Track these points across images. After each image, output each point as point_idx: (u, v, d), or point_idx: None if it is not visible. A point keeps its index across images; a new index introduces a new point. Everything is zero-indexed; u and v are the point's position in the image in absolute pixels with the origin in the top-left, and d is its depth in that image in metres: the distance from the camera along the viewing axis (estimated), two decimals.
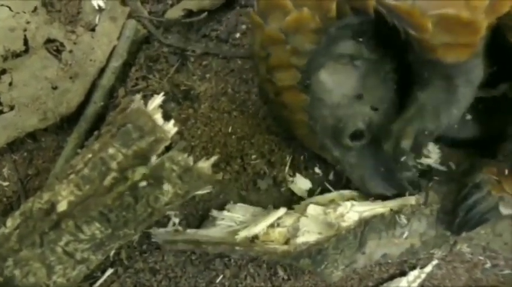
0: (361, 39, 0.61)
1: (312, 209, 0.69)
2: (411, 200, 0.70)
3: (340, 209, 0.69)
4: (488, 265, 0.81)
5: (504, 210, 0.67)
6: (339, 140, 0.66)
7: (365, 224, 0.70)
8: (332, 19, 0.57)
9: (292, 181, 0.77)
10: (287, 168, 0.78)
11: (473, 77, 0.61)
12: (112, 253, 0.72)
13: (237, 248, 0.68)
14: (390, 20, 0.55)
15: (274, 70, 0.62)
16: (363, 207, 0.70)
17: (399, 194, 0.71)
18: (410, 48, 0.58)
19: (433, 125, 0.65)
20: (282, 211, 0.70)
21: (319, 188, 0.78)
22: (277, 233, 0.68)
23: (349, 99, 0.64)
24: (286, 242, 0.68)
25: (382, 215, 0.70)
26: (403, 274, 0.80)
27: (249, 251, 0.68)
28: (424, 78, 0.62)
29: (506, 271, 0.81)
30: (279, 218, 0.69)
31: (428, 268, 0.79)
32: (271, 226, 0.69)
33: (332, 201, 0.72)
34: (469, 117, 0.73)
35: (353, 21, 0.58)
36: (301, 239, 0.67)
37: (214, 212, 0.73)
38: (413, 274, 0.79)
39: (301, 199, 0.77)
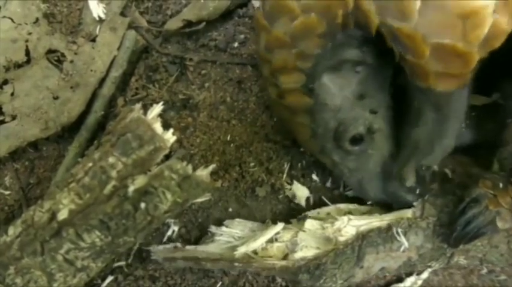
0: (365, 49, 0.62)
1: (310, 224, 0.70)
2: (407, 213, 0.71)
3: (337, 224, 0.69)
4: (484, 271, 0.81)
5: (501, 225, 0.67)
6: (340, 144, 0.67)
7: (362, 238, 0.70)
8: (338, 25, 0.57)
9: (290, 189, 0.78)
10: (285, 175, 0.79)
11: (461, 107, 0.62)
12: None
13: (236, 264, 0.69)
14: (388, 41, 0.56)
15: (278, 72, 0.63)
16: (359, 221, 0.70)
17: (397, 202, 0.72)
18: (402, 73, 0.59)
19: (430, 159, 0.67)
20: (280, 226, 0.71)
21: (316, 196, 0.78)
22: (276, 248, 0.69)
23: (350, 103, 0.65)
24: (285, 258, 0.69)
25: (379, 229, 0.71)
26: (400, 280, 0.80)
27: (247, 267, 0.69)
28: (414, 108, 0.63)
29: (502, 277, 0.82)
30: (277, 233, 0.70)
31: (425, 275, 0.80)
32: (270, 241, 0.70)
33: (328, 215, 0.73)
34: (462, 124, 0.74)
35: (357, 33, 0.59)
36: (299, 255, 0.68)
37: (213, 228, 0.74)
38: (410, 280, 0.80)
39: (298, 205, 0.78)
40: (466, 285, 0.81)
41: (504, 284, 0.82)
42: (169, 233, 0.76)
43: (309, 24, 0.57)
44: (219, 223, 0.75)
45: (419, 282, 0.80)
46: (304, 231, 0.70)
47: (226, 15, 0.88)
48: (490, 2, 0.50)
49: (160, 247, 0.72)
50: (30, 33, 0.80)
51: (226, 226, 0.74)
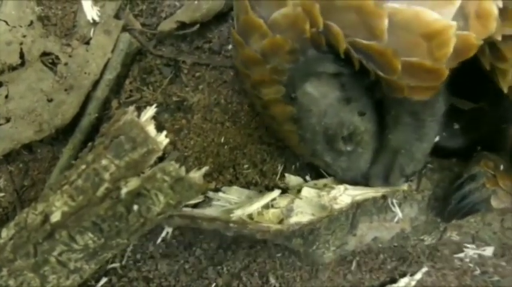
0: (341, 63, 0.62)
1: (306, 192, 0.71)
2: (404, 185, 0.72)
3: (333, 192, 0.70)
4: (477, 271, 0.82)
5: (495, 204, 0.69)
6: (333, 146, 0.68)
7: (357, 207, 0.71)
8: (307, 40, 0.58)
9: (284, 181, 0.79)
10: (278, 177, 0.79)
11: (437, 110, 0.63)
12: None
13: (231, 225, 0.68)
14: (358, 61, 0.57)
15: (258, 85, 0.64)
16: (356, 191, 0.71)
17: None
18: (378, 86, 0.60)
19: (411, 165, 0.68)
20: (277, 192, 0.72)
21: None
22: (271, 213, 0.69)
23: (335, 107, 0.66)
24: (280, 223, 0.69)
25: (374, 199, 0.72)
26: (394, 281, 0.81)
27: (242, 229, 0.69)
28: (392, 116, 0.64)
29: (495, 278, 0.82)
30: (273, 200, 0.71)
31: (418, 275, 0.81)
32: (266, 206, 0.70)
33: (325, 185, 0.74)
34: (456, 126, 0.74)
35: (330, 50, 0.59)
36: (294, 219, 0.68)
37: (210, 193, 0.74)
38: (403, 281, 0.80)
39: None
40: (460, 286, 0.82)
41: (497, 285, 0.82)
42: (163, 234, 0.77)
43: (276, 43, 0.58)
44: None
45: (413, 283, 0.81)
46: (300, 198, 0.70)
47: (221, 17, 0.88)
48: (453, 22, 0.51)
49: None
50: (24, 36, 0.80)
51: (224, 192, 0.74)
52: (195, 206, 0.74)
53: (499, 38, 0.53)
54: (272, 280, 0.77)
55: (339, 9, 0.54)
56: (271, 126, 0.70)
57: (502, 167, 0.70)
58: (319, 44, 0.58)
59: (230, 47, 0.87)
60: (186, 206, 0.73)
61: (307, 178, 0.80)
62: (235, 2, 0.63)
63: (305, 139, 0.68)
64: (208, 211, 0.71)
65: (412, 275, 0.81)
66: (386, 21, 0.52)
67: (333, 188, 0.70)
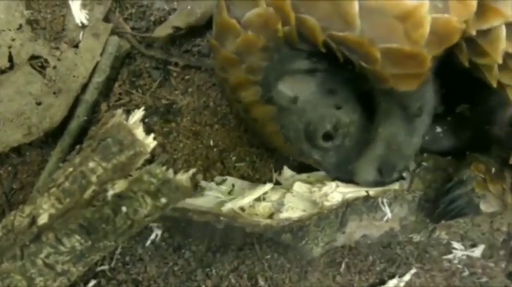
0: (315, 59, 0.63)
1: (298, 187, 0.71)
2: (395, 185, 0.72)
3: (325, 189, 0.70)
4: (466, 273, 0.83)
5: (484, 208, 0.69)
6: (313, 143, 0.68)
7: (347, 205, 0.71)
8: (280, 39, 0.59)
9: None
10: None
11: (426, 103, 0.63)
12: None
13: (222, 218, 0.69)
14: (340, 52, 0.57)
15: (236, 89, 0.65)
16: (347, 189, 0.71)
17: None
18: (365, 78, 0.60)
19: (400, 159, 0.68)
20: (269, 185, 0.72)
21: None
22: (262, 207, 0.70)
23: (313, 103, 0.66)
24: (270, 217, 0.70)
25: (364, 198, 0.72)
26: (383, 282, 0.81)
27: (233, 223, 0.69)
28: (382, 109, 0.64)
29: (484, 279, 0.83)
30: (265, 193, 0.71)
31: (407, 277, 0.81)
32: (257, 199, 0.70)
33: (318, 180, 0.74)
34: (439, 129, 0.75)
35: (304, 47, 0.60)
36: (284, 215, 0.69)
37: (203, 183, 0.74)
38: (392, 282, 0.81)
39: None
40: None
41: (486, 286, 0.83)
42: (152, 237, 0.77)
43: (248, 40, 0.59)
44: None
45: (402, 284, 0.81)
46: (291, 193, 0.71)
47: (210, 20, 0.88)
48: (425, 1, 0.51)
49: None
50: (13, 40, 0.80)
51: (216, 183, 0.75)
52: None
53: (474, 33, 0.53)
54: (261, 282, 0.77)
55: (313, 1, 0.54)
56: (255, 130, 0.71)
57: (493, 170, 0.70)
58: (292, 41, 0.59)
59: None
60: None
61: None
62: (215, 6, 0.64)
63: (290, 139, 0.68)
64: (200, 202, 0.71)
65: (400, 276, 0.81)
66: (356, 6, 0.52)
67: (324, 184, 0.71)
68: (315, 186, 0.71)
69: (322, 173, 0.75)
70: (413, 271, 0.81)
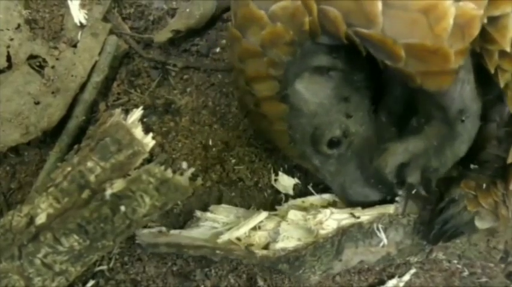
0: (335, 55, 0.62)
1: (293, 215, 0.71)
2: (389, 209, 0.72)
3: (319, 216, 0.70)
4: (465, 273, 0.82)
5: (480, 225, 0.68)
6: (317, 148, 0.68)
7: (342, 232, 0.71)
8: (306, 33, 0.58)
9: (276, 180, 0.79)
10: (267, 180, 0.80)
11: (468, 108, 0.60)
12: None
13: (218, 251, 0.69)
14: (365, 49, 0.56)
15: (252, 82, 0.63)
16: (341, 215, 0.71)
17: (379, 201, 0.72)
18: (396, 79, 0.59)
19: (438, 162, 0.66)
20: (264, 214, 0.72)
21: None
22: (258, 237, 0.70)
23: (326, 108, 0.66)
24: (266, 246, 0.70)
25: (360, 224, 0.71)
26: (382, 283, 0.80)
27: (229, 255, 0.70)
28: (422, 112, 0.63)
29: (484, 279, 0.82)
30: (260, 222, 0.71)
31: (406, 277, 0.81)
32: (253, 228, 0.71)
33: (312, 205, 0.74)
34: None
35: (325, 41, 0.59)
36: (280, 245, 0.69)
37: (198, 213, 0.74)
38: (391, 282, 0.80)
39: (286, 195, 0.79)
40: None
41: (485, 286, 0.82)
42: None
43: (276, 33, 0.58)
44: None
45: (401, 284, 0.81)
46: (286, 221, 0.71)
47: (209, 22, 0.88)
48: None
49: (145, 230, 0.71)
50: (12, 39, 0.80)
51: (211, 212, 0.74)
52: (182, 226, 0.74)
53: (485, 21, 0.52)
54: (260, 282, 0.77)
55: None
56: (261, 126, 0.70)
57: (484, 185, 0.68)
58: (316, 33, 0.58)
59: (218, 49, 0.88)
60: (174, 228, 0.74)
61: (296, 180, 0.80)
62: None
63: (295, 140, 0.68)
64: (196, 233, 0.71)
65: (400, 276, 0.81)
66: (380, 4, 0.51)
67: (319, 211, 0.71)
68: (310, 213, 0.71)
69: (316, 197, 0.76)
70: (412, 271, 0.81)
